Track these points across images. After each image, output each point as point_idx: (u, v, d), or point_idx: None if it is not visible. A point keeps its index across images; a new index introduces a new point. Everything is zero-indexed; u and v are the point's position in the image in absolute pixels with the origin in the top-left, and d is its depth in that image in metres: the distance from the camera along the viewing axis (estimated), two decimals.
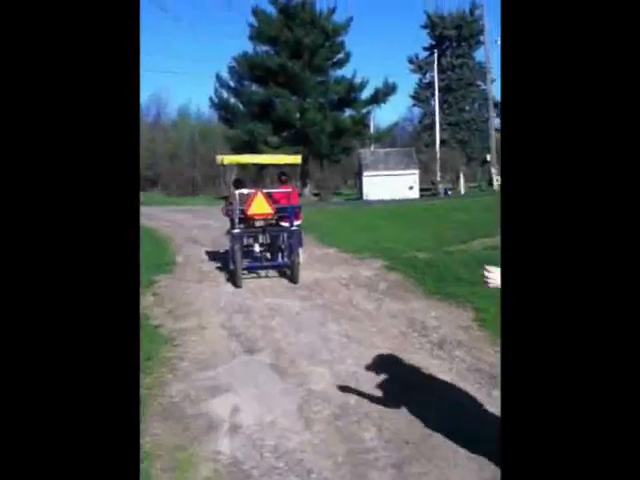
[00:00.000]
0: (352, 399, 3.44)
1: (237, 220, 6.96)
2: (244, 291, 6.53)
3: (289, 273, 7.22)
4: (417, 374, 3.84)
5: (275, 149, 28.29)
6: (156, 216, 17.45)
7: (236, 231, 6.96)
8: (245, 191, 7.32)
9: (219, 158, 7.66)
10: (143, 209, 20.40)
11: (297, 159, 8.16)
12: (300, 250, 7.49)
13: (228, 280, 7.17)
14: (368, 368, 3.94)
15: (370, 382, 3.70)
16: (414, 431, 3.00)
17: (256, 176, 26.68)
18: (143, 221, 15.28)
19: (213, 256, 9.19)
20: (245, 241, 7.38)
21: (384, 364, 4.04)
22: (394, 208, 18.53)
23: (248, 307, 5.77)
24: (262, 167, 22.07)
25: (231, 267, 7.06)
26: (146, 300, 6.00)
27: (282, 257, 7.57)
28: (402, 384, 3.65)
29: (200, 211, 20.33)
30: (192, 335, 4.81)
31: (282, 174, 8.21)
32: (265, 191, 7.34)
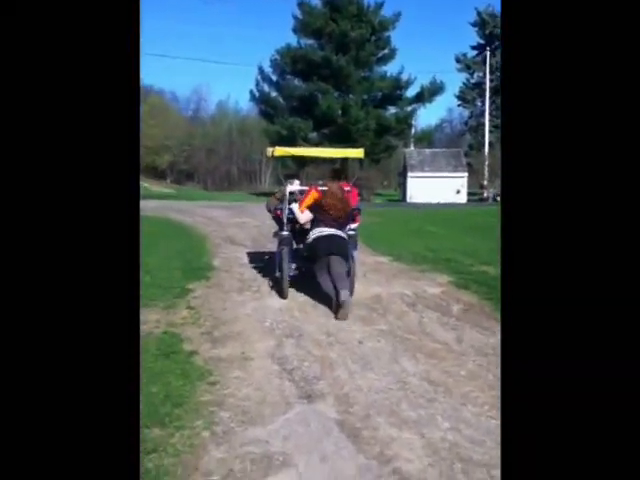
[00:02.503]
0: None
1: (286, 221, 6.13)
2: (293, 306, 5.54)
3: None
4: None
5: (314, 146, 27.34)
6: (192, 211, 16.76)
7: (284, 233, 6.11)
8: (296, 188, 6.53)
9: (269, 150, 6.73)
10: (179, 204, 19.87)
11: (360, 152, 7.25)
12: (355, 253, 6.37)
13: (272, 289, 6.22)
14: (472, 440, 2.89)
15: (481, 463, 2.65)
16: None
17: (296, 173, 25.83)
18: (179, 217, 14.61)
19: (254, 260, 8.26)
20: (295, 245, 6.36)
21: (490, 433, 2.98)
22: (443, 212, 17.34)
23: (300, 330, 4.78)
24: (304, 164, 21.12)
25: (277, 274, 6.12)
26: (179, 315, 5.08)
27: None
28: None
29: (237, 207, 19.57)
30: (234, 369, 3.85)
31: (337, 170, 7.22)
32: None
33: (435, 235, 11.56)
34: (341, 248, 5.61)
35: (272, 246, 9.57)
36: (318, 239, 5.60)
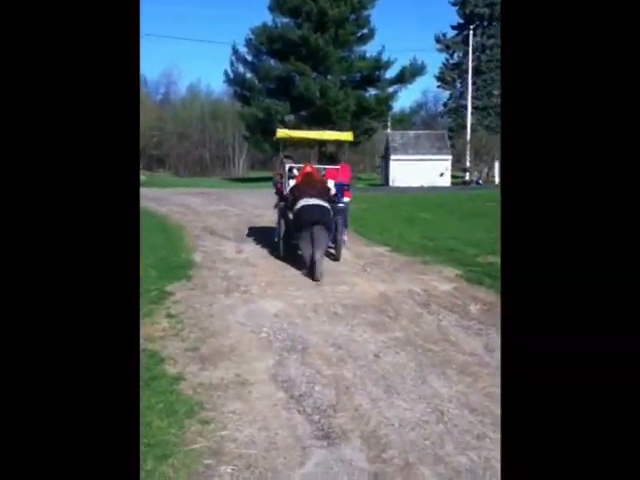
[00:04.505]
0: None
1: (285, 194, 7.10)
2: (291, 311, 4.81)
3: (333, 252, 7.04)
4: None
5: (292, 129, 26.40)
6: (166, 199, 15.78)
7: (283, 204, 7.07)
8: (294, 165, 7.67)
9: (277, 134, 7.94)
10: (151, 191, 18.81)
11: (349, 136, 8.05)
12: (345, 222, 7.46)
13: (265, 288, 5.49)
14: None
15: None
16: None
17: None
18: (152, 205, 13.61)
19: (239, 253, 7.49)
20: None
21: None
22: (431, 197, 16.74)
23: (303, 341, 4.06)
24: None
25: (276, 239, 7.27)
26: (158, 326, 4.30)
27: None
28: None
29: (213, 194, 18.64)
30: (230, 399, 3.11)
31: (332, 154, 8.81)
32: (315, 166, 7.48)
33: (429, 222, 10.93)
34: (323, 217, 6.24)
35: (256, 237, 8.85)
36: (302, 209, 6.26)
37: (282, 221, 7.00)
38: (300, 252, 6.34)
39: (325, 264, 6.69)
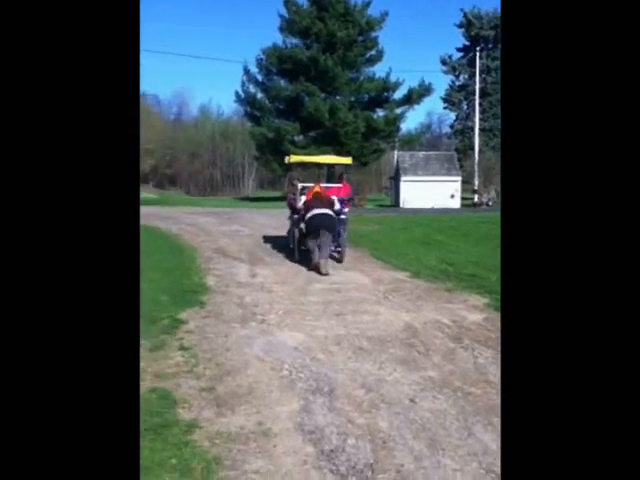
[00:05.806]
0: None
1: (298, 207, 8.52)
2: (313, 344, 4.44)
3: (337, 256, 8.38)
4: None
5: (302, 149, 26.24)
6: (177, 218, 15.55)
7: (296, 216, 8.61)
8: (306, 184, 9.11)
9: (287, 158, 9.95)
10: (164, 210, 18.72)
11: (348, 160, 9.97)
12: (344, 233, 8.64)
13: (282, 317, 5.14)
14: None
15: None
16: None
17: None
18: (164, 225, 13.40)
19: (253, 277, 7.14)
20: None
21: None
22: (443, 219, 16.38)
23: (328, 381, 3.68)
24: (290, 169, 20.27)
25: (291, 245, 8.75)
26: (171, 360, 3.94)
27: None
28: None
29: (225, 213, 18.36)
30: (252, 454, 2.73)
31: (334, 174, 10.56)
32: (323, 185, 9.09)
33: (446, 246, 10.55)
34: (329, 222, 7.74)
35: (270, 260, 8.53)
36: (312, 217, 7.71)
37: (295, 230, 8.51)
38: (310, 254, 7.68)
39: (344, 291, 6.37)
